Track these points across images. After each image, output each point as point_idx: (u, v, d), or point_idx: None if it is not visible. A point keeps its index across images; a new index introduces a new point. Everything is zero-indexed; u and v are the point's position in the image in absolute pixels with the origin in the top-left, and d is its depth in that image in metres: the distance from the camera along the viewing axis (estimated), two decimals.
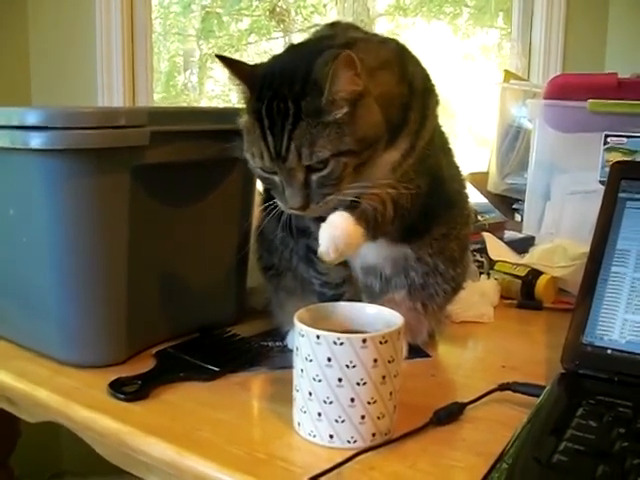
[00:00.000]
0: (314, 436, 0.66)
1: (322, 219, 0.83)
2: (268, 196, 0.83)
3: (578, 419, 0.66)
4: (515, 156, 1.72)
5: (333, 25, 0.86)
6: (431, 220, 0.86)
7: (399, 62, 0.80)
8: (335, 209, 0.75)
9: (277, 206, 0.79)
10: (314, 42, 0.80)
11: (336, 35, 0.80)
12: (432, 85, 0.84)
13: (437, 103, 0.84)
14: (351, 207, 0.75)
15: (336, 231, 0.73)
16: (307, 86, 0.71)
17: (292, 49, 0.81)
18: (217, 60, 0.77)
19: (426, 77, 0.83)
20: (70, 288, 0.83)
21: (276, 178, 0.75)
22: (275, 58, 0.79)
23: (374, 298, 0.87)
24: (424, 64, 0.84)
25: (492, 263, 1.23)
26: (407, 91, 0.79)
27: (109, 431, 0.72)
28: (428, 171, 0.82)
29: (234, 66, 0.76)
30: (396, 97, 0.77)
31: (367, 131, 0.73)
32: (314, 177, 0.72)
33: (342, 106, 0.71)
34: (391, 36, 0.87)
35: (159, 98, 2.11)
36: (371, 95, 0.73)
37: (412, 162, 0.80)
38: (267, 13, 2.32)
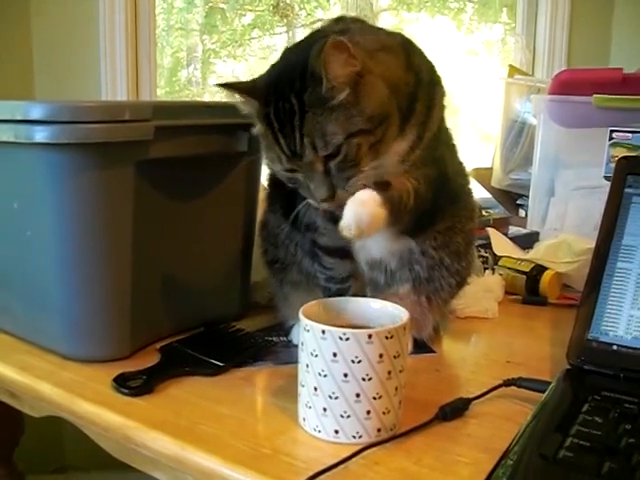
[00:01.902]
0: (319, 431, 0.66)
1: (328, 213, 0.83)
2: (273, 190, 0.82)
3: (584, 415, 0.66)
4: (519, 151, 1.71)
5: (338, 20, 0.86)
6: (436, 214, 0.85)
7: (404, 51, 0.80)
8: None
9: (281, 200, 0.79)
10: (307, 39, 0.80)
11: (333, 27, 0.80)
12: (438, 77, 0.83)
13: (443, 95, 0.84)
14: (379, 189, 0.75)
15: (363, 209, 0.72)
16: (305, 79, 0.71)
17: (287, 52, 0.81)
18: (218, 88, 0.78)
19: (432, 69, 0.83)
20: (74, 282, 0.83)
21: (299, 176, 0.75)
22: (273, 66, 0.80)
23: (379, 292, 0.86)
24: (429, 57, 0.83)
25: (496, 258, 1.23)
26: (413, 81, 0.78)
27: (113, 426, 0.72)
28: (434, 163, 0.82)
29: (237, 88, 0.77)
30: (402, 84, 0.77)
31: (375, 108, 0.73)
32: (332, 164, 0.73)
33: (343, 89, 0.71)
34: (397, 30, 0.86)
35: (162, 93, 2.11)
36: (372, 73, 0.73)
37: (420, 153, 0.79)
38: (271, 8, 2.32)
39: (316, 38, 0.75)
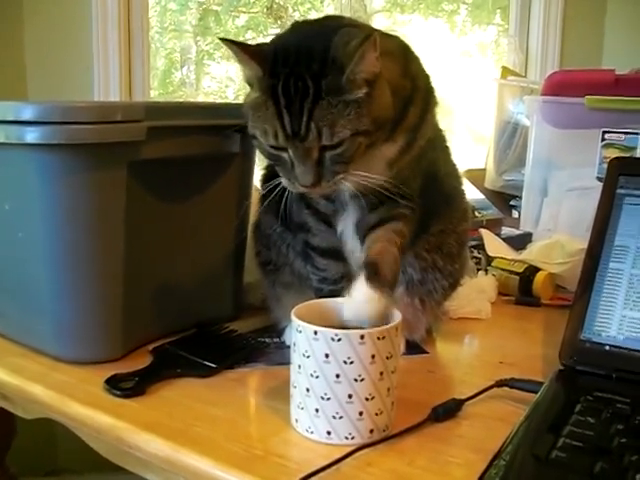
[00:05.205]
0: (312, 432, 0.66)
1: (320, 214, 0.83)
2: (266, 190, 0.82)
3: (576, 415, 0.66)
4: (512, 153, 1.71)
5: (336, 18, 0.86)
6: (428, 218, 0.86)
7: (403, 57, 0.81)
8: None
9: (275, 199, 0.78)
10: (322, 22, 0.80)
11: (343, 18, 0.80)
12: (432, 87, 0.84)
13: (436, 104, 0.84)
14: (370, 275, 0.75)
15: (363, 312, 0.72)
16: (326, 64, 0.70)
17: (298, 27, 0.80)
18: (222, 43, 0.75)
19: (428, 78, 0.83)
20: (66, 284, 0.83)
21: (285, 155, 0.73)
22: (281, 36, 0.79)
23: None
24: (425, 65, 0.84)
25: (490, 259, 1.23)
26: (409, 86, 0.79)
27: (105, 427, 0.71)
28: (424, 171, 0.82)
29: (240, 45, 0.74)
30: (399, 89, 0.77)
31: (381, 111, 0.73)
32: (327, 155, 0.72)
33: (362, 86, 0.71)
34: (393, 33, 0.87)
35: (156, 94, 2.10)
36: (384, 77, 0.74)
37: (409, 160, 0.79)
38: (264, 10, 2.32)
39: (334, 25, 0.75)
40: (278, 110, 0.71)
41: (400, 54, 0.80)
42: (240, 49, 0.74)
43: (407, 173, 0.80)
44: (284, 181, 0.76)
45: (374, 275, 0.75)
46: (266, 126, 0.73)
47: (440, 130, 0.89)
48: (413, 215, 0.82)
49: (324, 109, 0.70)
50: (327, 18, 0.83)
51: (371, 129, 0.72)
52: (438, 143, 0.87)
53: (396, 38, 0.83)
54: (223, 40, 0.75)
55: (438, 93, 0.84)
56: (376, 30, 0.84)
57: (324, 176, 0.73)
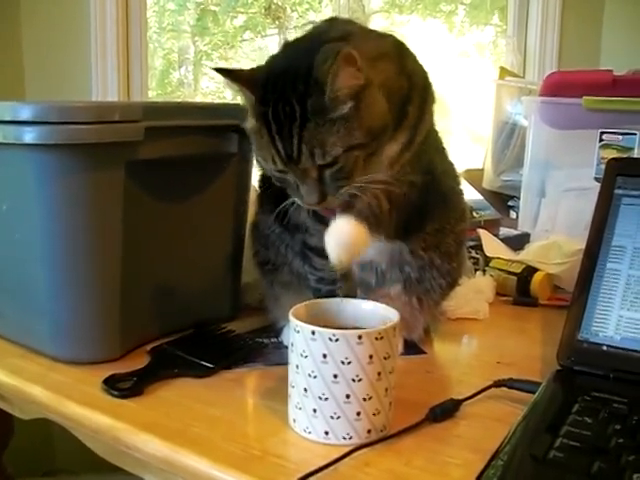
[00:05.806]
0: (309, 432, 0.66)
1: (319, 215, 0.83)
2: (264, 192, 0.82)
3: (574, 415, 0.66)
4: (510, 153, 1.72)
5: (332, 21, 0.85)
6: (424, 217, 0.86)
7: (398, 56, 0.80)
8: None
9: (272, 201, 0.78)
10: (310, 38, 0.79)
11: (332, 29, 0.79)
12: (430, 83, 0.84)
13: (434, 101, 0.84)
14: (348, 209, 0.75)
15: (342, 237, 0.73)
16: (310, 85, 0.70)
17: (289, 47, 0.80)
18: (215, 72, 0.76)
19: (425, 74, 0.83)
20: (63, 284, 0.83)
21: (289, 177, 0.74)
22: (273, 59, 0.79)
23: (369, 293, 0.86)
24: (422, 61, 0.83)
25: (487, 260, 1.23)
26: (407, 84, 0.78)
27: (103, 428, 0.71)
28: (422, 168, 0.82)
29: (233, 74, 0.75)
30: (395, 89, 0.77)
31: (374, 121, 0.73)
32: (327, 172, 0.72)
33: (346, 102, 0.70)
34: (389, 32, 0.86)
35: (154, 95, 2.10)
36: (374, 85, 0.73)
37: (409, 157, 0.79)
38: (263, 10, 2.32)
39: (320, 41, 0.74)
40: (271, 136, 0.72)
41: (395, 53, 0.80)
42: (232, 79, 0.75)
43: (408, 170, 0.80)
44: (294, 199, 0.77)
45: (347, 208, 0.75)
46: (264, 153, 0.74)
47: (437, 132, 0.89)
48: (410, 192, 0.81)
49: (312, 130, 0.70)
50: (317, 28, 0.82)
51: (365, 141, 0.72)
52: (433, 141, 0.87)
53: (390, 37, 0.83)
54: (217, 70, 0.75)
55: (436, 89, 0.84)
56: (372, 31, 0.84)
57: (329, 192, 0.74)
